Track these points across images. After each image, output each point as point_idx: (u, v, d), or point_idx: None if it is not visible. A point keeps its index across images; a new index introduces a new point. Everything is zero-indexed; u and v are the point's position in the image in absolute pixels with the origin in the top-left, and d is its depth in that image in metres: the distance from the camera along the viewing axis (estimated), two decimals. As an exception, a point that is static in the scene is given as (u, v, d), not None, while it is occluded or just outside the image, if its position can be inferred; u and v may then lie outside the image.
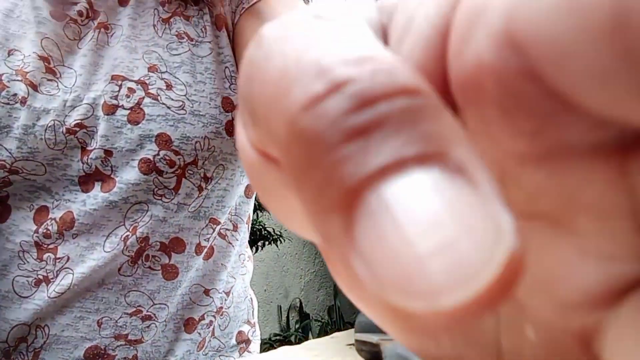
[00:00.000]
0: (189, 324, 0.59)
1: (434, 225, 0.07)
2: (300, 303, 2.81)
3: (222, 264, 0.62)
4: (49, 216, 0.53)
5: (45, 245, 0.53)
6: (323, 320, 2.80)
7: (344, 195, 0.07)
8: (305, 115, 0.08)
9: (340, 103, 0.08)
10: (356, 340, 0.44)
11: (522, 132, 0.08)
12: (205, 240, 0.59)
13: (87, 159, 0.53)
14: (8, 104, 0.49)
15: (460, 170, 0.07)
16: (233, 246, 0.63)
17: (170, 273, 0.57)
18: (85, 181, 0.54)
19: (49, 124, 0.50)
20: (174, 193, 0.55)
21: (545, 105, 0.08)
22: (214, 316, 0.61)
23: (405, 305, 0.06)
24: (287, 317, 2.78)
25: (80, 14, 0.52)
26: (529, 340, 0.10)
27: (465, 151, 0.07)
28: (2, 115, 0.49)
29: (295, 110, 0.08)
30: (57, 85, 0.51)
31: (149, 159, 0.53)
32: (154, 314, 0.56)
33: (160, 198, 0.55)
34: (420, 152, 0.07)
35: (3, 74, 0.49)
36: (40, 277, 0.53)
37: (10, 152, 0.50)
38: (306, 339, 2.64)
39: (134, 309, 0.55)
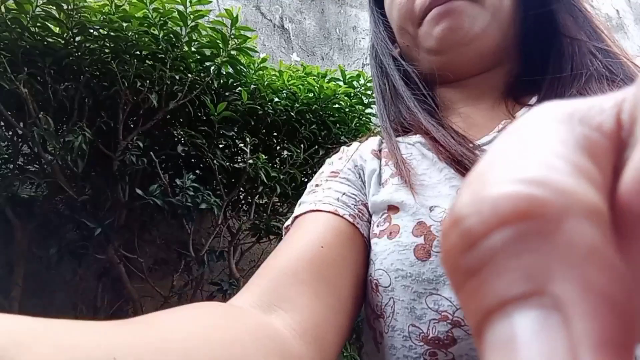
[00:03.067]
0: None
1: None
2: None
3: None
4: None
5: None
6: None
7: (475, 321, 0.08)
8: (441, 249, 0.09)
9: (456, 242, 0.08)
10: None
11: None
12: None
13: None
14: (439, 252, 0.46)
15: (557, 307, 0.07)
16: None
17: None
18: None
19: None
20: None
21: None
22: None
23: None
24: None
25: None
26: None
27: (563, 284, 0.07)
28: (438, 264, 0.45)
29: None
30: None
31: None
32: None
33: None
34: (520, 293, 0.07)
35: (431, 225, 0.48)
36: None
37: (450, 301, 0.44)
38: None
39: None
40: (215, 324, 0.33)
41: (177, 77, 1.42)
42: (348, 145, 0.65)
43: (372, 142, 0.61)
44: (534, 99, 0.57)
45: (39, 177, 1.52)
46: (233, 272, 1.90)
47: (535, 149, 0.09)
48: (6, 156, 1.61)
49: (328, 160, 0.62)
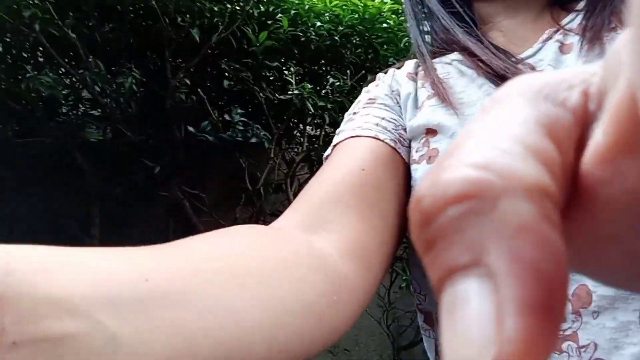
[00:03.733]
0: None
1: (455, 341, 0.08)
2: None
3: None
4: None
5: (562, 332, 0.41)
6: None
7: (434, 288, 0.09)
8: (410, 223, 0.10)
9: (417, 219, 0.09)
10: None
11: None
12: None
13: None
14: None
15: (489, 276, 0.08)
16: None
17: None
18: None
19: None
20: None
21: None
22: None
23: None
24: None
25: None
26: None
27: (494, 255, 0.08)
28: None
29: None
30: None
31: None
32: None
33: None
34: (462, 263, 0.08)
35: None
36: None
37: None
38: None
39: None
40: (253, 243, 0.33)
41: (216, 9, 1.39)
42: (385, 72, 0.62)
43: (408, 66, 0.58)
44: (582, 4, 0.51)
45: (100, 121, 1.59)
46: (292, 203, 1.94)
47: (493, 132, 0.10)
48: (71, 102, 1.69)
49: (365, 89, 0.60)
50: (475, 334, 0.08)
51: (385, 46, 1.56)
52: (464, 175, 0.09)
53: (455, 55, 0.54)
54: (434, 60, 0.55)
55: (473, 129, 0.10)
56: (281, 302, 0.30)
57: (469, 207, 0.09)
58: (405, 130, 0.53)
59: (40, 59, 1.46)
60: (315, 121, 1.70)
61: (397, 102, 0.55)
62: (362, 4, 1.45)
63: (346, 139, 0.50)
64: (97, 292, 0.21)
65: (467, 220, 0.09)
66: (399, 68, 0.59)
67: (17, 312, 0.18)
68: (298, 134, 1.84)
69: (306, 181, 1.99)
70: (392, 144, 0.49)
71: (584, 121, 0.10)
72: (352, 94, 1.59)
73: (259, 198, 1.94)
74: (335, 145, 0.52)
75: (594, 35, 0.47)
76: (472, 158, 0.09)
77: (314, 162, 1.79)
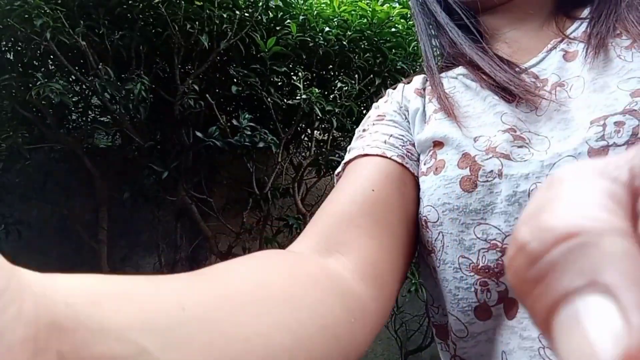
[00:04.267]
0: None
1: (584, 346, 0.10)
2: None
3: None
4: None
5: None
6: None
7: (542, 318, 0.11)
8: (508, 271, 0.12)
9: (522, 262, 0.12)
10: None
11: None
12: None
13: None
14: (487, 181, 0.46)
15: (607, 291, 0.10)
16: None
17: None
18: None
19: (531, 188, 0.45)
20: None
21: None
22: None
23: None
24: None
25: (527, 91, 0.49)
26: None
27: (610, 275, 0.10)
28: (485, 194, 0.46)
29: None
30: (529, 150, 0.47)
31: None
32: None
33: None
34: (578, 285, 0.10)
35: (475, 155, 0.47)
36: None
37: (499, 229, 0.45)
38: None
39: None
40: (275, 270, 0.35)
41: (225, 16, 1.41)
42: (394, 88, 0.63)
43: (416, 82, 0.60)
44: (586, 11, 0.52)
45: (109, 127, 1.60)
46: (299, 207, 1.95)
47: (574, 196, 0.12)
48: (81, 109, 1.71)
49: (374, 105, 0.62)
50: (607, 333, 0.10)
51: (393, 50, 1.57)
52: (568, 219, 0.11)
53: (460, 70, 0.55)
54: (440, 75, 0.57)
55: (550, 196, 0.13)
56: (302, 326, 0.31)
57: (577, 242, 0.11)
58: (413, 145, 0.54)
59: (51, 67, 1.48)
60: (323, 126, 1.71)
61: (406, 118, 0.57)
62: (370, 9, 1.46)
63: (356, 157, 0.53)
64: (141, 320, 0.23)
65: (577, 253, 0.11)
66: (407, 83, 0.61)
67: (73, 341, 0.20)
68: (306, 139, 1.85)
69: (313, 185, 2.00)
70: (400, 160, 0.51)
71: (635, 194, 0.13)
72: (360, 98, 1.60)
73: (266, 202, 1.95)
74: (346, 164, 0.54)
75: (599, 42, 0.48)
76: (567, 210, 0.12)
77: (321, 167, 1.80)
